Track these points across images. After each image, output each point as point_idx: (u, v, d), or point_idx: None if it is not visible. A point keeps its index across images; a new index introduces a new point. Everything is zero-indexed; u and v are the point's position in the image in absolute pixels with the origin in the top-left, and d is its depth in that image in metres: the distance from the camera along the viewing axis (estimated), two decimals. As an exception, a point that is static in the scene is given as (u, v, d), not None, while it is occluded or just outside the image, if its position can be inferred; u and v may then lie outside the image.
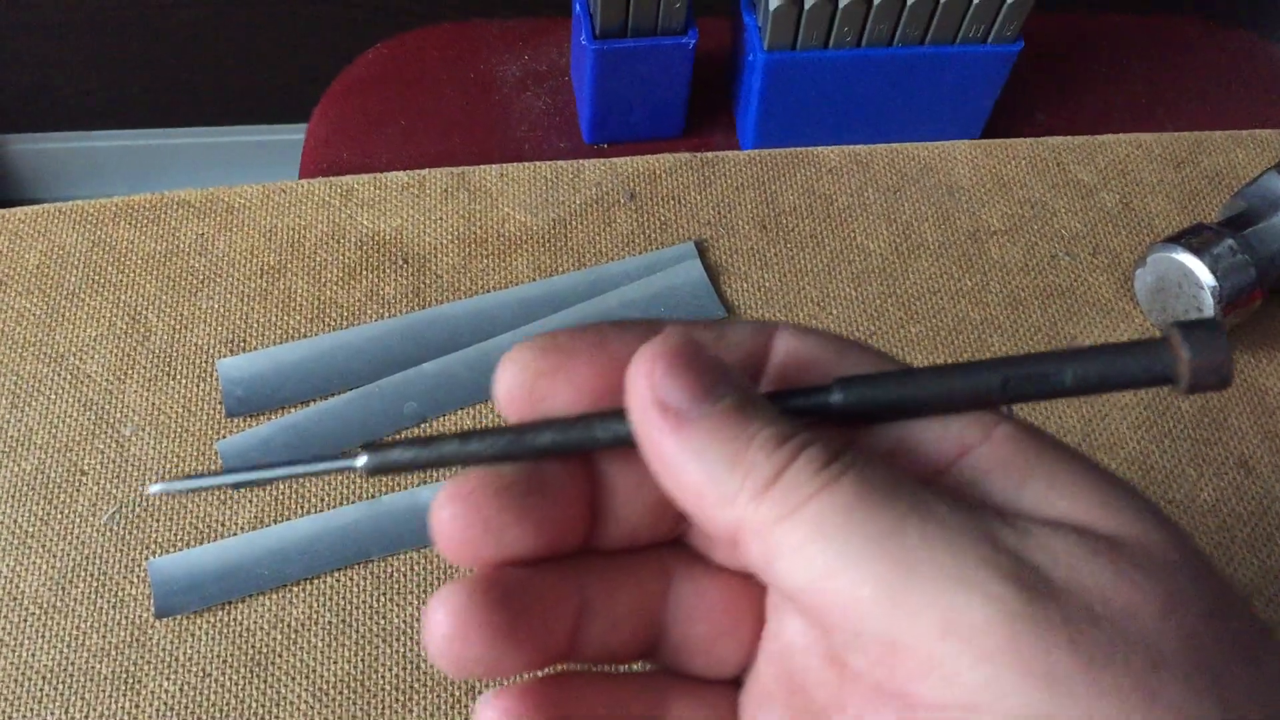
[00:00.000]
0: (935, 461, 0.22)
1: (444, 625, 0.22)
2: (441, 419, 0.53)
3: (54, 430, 0.52)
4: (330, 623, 0.48)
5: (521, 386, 0.23)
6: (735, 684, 0.25)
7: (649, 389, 0.21)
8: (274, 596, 0.49)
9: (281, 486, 0.51)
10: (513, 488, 0.22)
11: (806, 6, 0.72)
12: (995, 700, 0.18)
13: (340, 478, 0.51)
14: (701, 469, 0.21)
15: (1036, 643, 0.18)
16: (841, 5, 0.72)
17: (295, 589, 0.49)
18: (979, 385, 0.22)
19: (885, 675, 0.20)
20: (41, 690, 0.46)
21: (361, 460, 0.23)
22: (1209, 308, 0.52)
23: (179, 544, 0.50)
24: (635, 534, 0.24)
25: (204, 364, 0.54)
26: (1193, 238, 0.53)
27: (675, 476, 0.21)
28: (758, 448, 0.20)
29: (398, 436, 0.22)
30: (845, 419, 0.22)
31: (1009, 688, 0.18)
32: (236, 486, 0.22)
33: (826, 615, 0.20)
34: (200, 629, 0.48)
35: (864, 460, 0.21)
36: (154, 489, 0.24)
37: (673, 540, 0.25)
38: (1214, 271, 0.52)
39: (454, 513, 0.22)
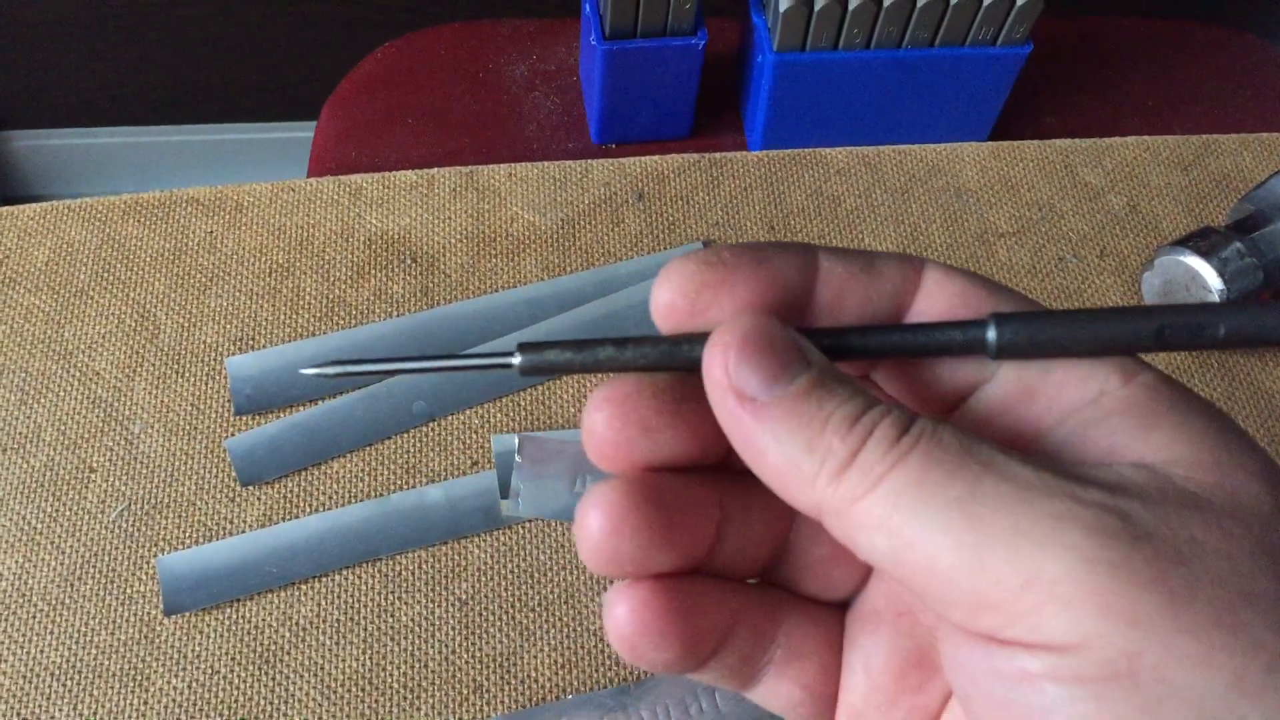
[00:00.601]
0: (1071, 403, 0.22)
1: (600, 521, 0.22)
2: (450, 419, 0.53)
3: (63, 427, 0.52)
4: (338, 620, 0.48)
5: (685, 298, 0.23)
6: (842, 607, 0.26)
7: (724, 376, 0.21)
8: (282, 594, 0.49)
9: (289, 484, 0.51)
10: (667, 393, 0.23)
11: (816, 8, 0.72)
12: (1080, 642, 0.19)
13: (354, 475, 0.51)
14: (780, 453, 0.21)
15: (1116, 586, 0.19)
16: (851, 7, 0.72)
17: (303, 587, 0.49)
18: (1134, 331, 0.22)
19: (977, 627, 0.20)
20: (50, 687, 0.46)
21: (517, 359, 0.23)
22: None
23: (188, 541, 0.50)
24: None
25: (213, 362, 0.54)
26: (1200, 241, 0.53)
27: (757, 460, 0.22)
28: (832, 431, 0.21)
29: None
30: (999, 354, 0.23)
31: (1091, 629, 0.19)
32: (390, 374, 0.22)
33: (912, 583, 0.21)
34: (209, 626, 0.48)
35: (934, 430, 0.21)
36: (307, 372, 0.25)
37: None
38: (1221, 275, 0.52)
39: (610, 414, 0.23)
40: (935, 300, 0.24)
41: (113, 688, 0.47)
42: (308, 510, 0.51)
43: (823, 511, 0.21)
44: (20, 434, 0.52)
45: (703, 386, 0.22)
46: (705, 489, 0.24)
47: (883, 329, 0.23)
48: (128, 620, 0.48)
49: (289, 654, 0.48)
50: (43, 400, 0.53)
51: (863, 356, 0.23)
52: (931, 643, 0.25)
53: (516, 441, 0.52)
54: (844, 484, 0.21)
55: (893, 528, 0.20)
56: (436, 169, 0.61)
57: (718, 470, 0.25)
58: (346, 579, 0.49)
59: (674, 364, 0.23)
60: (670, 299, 0.23)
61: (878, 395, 0.22)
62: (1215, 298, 0.52)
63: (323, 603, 0.49)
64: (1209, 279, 0.52)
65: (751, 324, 0.22)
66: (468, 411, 0.53)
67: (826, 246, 0.24)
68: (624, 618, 0.23)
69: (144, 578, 0.49)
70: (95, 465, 0.51)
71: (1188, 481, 0.20)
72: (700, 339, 0.23)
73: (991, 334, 0.22)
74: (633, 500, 0.22)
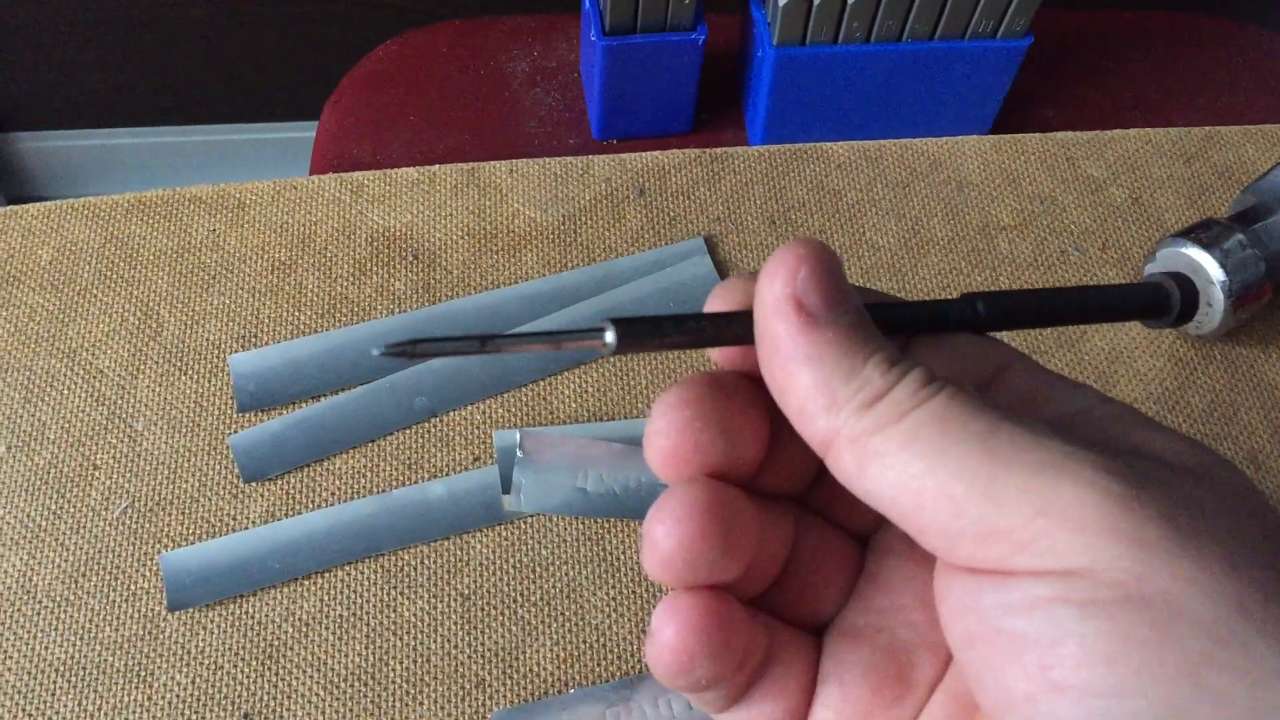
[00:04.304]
0: (1064, 412, 0.24)
1: (671, 533, 0.23)
2: (452, 414, 0.53)
3: (67, 425, 0.52)
4: (341, 616, 0.49)
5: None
6: (817, 631, 0.27)
7: (789, 283, 0.22)
8: (285, 590, 0.49)
9: (292, 481, 0.51)
10: (736, 399, 0.24)
11: (815, 2, 0.72)
12: (1090, 565, 0.19)
13: (357, 471, 0.52)
14: (815, 374, 0.22)
15: (1128, 515, 0.20)
16: (850, 1, 0.72)
17: (306, 582, 0.49)
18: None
19: (983, 559, 0.21)
20: (54, 683, 0.47)
21: (609, 336, 0.23)
22: (1219, 302, 0.52)
23: (191, 538, 0.50)
24: (785, 483, 0.26)
25: (216, 359, 0.54)
26: (1202, 233, 0.53)
27: (788, 375, 0.22)
28: (874, 365, 0.22)
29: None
30: (984, 326, 0.24)
31: (1101, 552, 0.19)
32: (479, 352, 0.23)
33: (919, 517, 0.21)
34: (212, 622, 0.48)
35: (955, 384, 0.22)
36: (375, 353, 0.24)
37: (801, 497, 0.27)
38: (1224, 266, 0.52)
39: (691, 415, 0.23)
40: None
41: (117, 684, 0.47)
42: (310, 506, 0.51)
43: (837, 439, 0.22)
44: (24, 432, 0.52)
45: (748, 396, 0.24)
46: (746, 504, 0.25)
47: (893, 305, 0.25)
48: (132, 616, 0.48)
49: (292, 649, 0.48)
50: (47, 398, 0.53)
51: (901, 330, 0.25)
52: (908, 657, 0.25)
53: (518, 437, 0.52)
54: (870, 415, 0.21)
55: (907, 458, 0.21)
56: (438, 166, 0.61)
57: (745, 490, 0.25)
58: (349, 574, 0.49)
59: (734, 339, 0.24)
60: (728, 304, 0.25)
61: None
62: (1218, 289, 0.52)
63: (325, 598, 0.49)
64: (1211, 270, 0.52)
65: (823, 250, 0.23)
66: (469, 407, 0.54)
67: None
68: (674, 637, 0.23)
69: (148, 574, 0.49)
70: (99, 463, 0.51)
71: (1176, 459, 0.22)
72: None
73: (981, 305, 0.25)
74: (703, 512, 0.23)
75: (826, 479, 0.26)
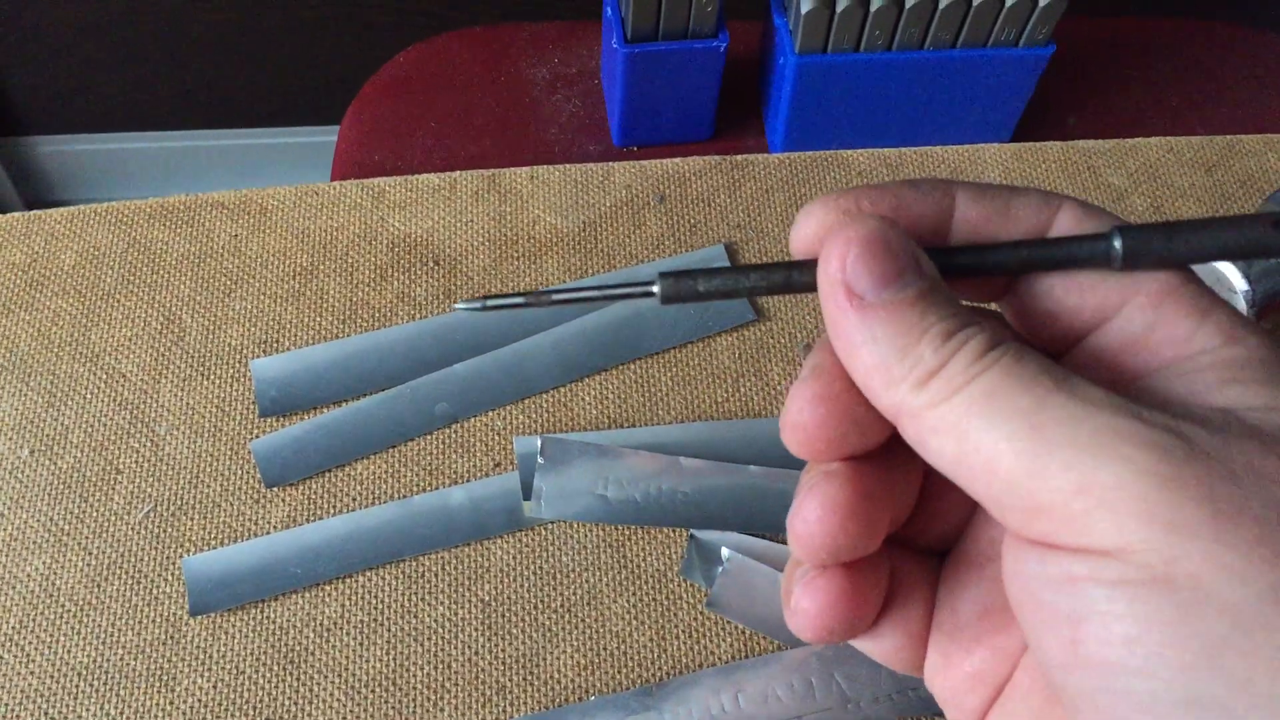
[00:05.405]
0: (1168, 358, 0.23)
1: (819, 515, 0.24)
2: (473, 420, 0.53)
3: (90, 429, 0.53)
4: (362, 621, 0.49)
5: (819, 238, 0.25)
6: (939, 557, 0.28)
7: (838, 270, 0.23)
8: (307, 595, 0.49)
9: (313, 486, 0.51)
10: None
11: (838, 10, 0.72)
12: (1123, 546, 0.20)
13: (378, 476, 0.52)
14: (874, 353, 0.22)
15: (1165, 496, 0.20)
16: (873, 8, 0.72)
17: (327, 588, 0.49)
18: (1248, 234, 0.23)
19: (1031, 532, 0.21)
20: (77, 687, 0.47)
21: (657, 288, 0.25)
22: (1241, 311, 0.52)
23: (213, 542, 0.50)
24: None
25: (238, 364, 0.55)
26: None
27: (849, 354, 0.23)
28: (927, 342, 0.22)
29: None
30: (1125, 264, 0.23)
31: (1134, 536, 0.20)
32: (536, 305, 0.25)
33: (975, 487, 0.22)
34: (234, 627, 0.48)
35: (1019, 351, 0.22)
36: (459, 306, 0.27)
37: None
38: (1246, 276, 0.52)
39: (827, 411, 0.24)
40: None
41: (139, 688, 0.47)
42: (332, 512, 0.51)
43: (900, 413, 0.22)
44: (48, 436, 0.52)
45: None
46: (886, 474, 0.25)
47: (1009, 245, 0.24)
48: (154, 621, 0.48)
49: (313, 654, 0.48)
50: (70, 402, 0.53)
51: (985, 272, 0.24)
52: None
53: (539, 443, 0.52)
54: (926, 391, 0.22)
55: (961, 432, 0.21)
56: (459, 172, 0.61)
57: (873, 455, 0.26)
58: (370, 580, 0.50)
59: (800, 287, 0.24)
60: (807, 238, 0.25)
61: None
62: (1241, 299, 0.52)
63: (347, 604, 0.49)
64: (1234, 280, 0.52)
65: (875, 227, 0.23)
66: (490, 413, 0.54)
67: (966, 184, 0.25)
68: (814, 610, 0.25)
69: (170, 578, 0.49)
70: (122, 467, 0.52)
71: (1255, 420, 0.21)
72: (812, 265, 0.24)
73: (1117, 243, 0.23)
74: (848, 494, 0.24)
75: None
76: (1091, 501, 0.20)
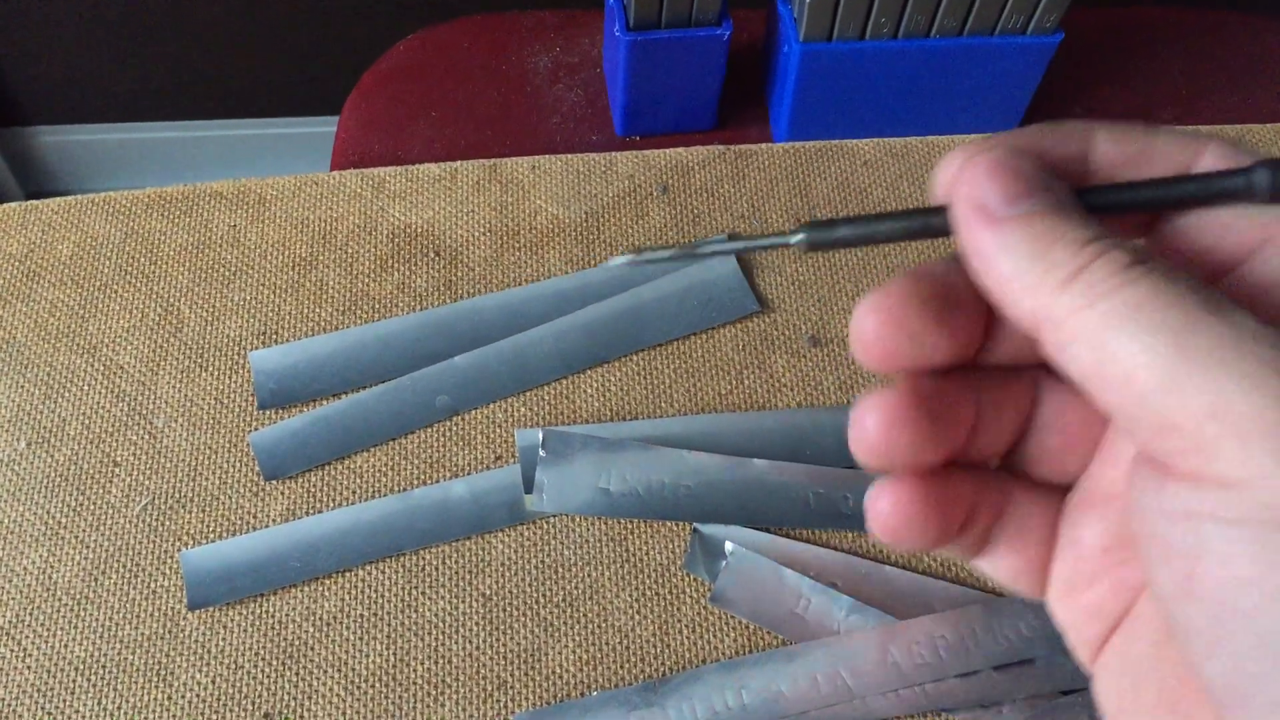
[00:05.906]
0: None
1: (876, 423, 0.25)
2: (474, 412, 0.53)
3: (87, 421, 0.52)
4: (362, 615, 0.48)
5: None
6: (1063, 490, 0.28)
7: (969, 188, 0.23)
8: (306, 589, 0.49)
9: (313, 479, 0.51)
10: (932, 301, 0.25)
11: (842, -3, 0.71)
12: (1247, 478, 0.19)
13: (378, 469, 0.51)
14: (1010, 262, 0.23)
15: None
16: (877, -4, 0.72)
17: (327, 582, 0.49)
18: None
19: (1157, 449, 0.21)
20: (74, 681, 0.46)
21: (797, 237, 0.25)
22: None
23: (211, 536, 0.50)
24: (1018, 353, 0.27)
25: (236, 355, 0.54)
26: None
27: (986, 267, 0.23)
28: (1063, 247, 0.22)
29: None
30: (1273, 196, 0.23)
31: (1259, 469, 0.19)
32: (686, 256, 0.26)
33: (1109, 396, 0.22)
34: (232, 621, 0.48)
35: (1169, 269, 0.22)
36: (615, 261, 0.28)
37: (1042, 364, 0.28)
38: None
39: (881, 320, 0.24)
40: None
41: (136, 682, 0.46)
42: (331, 505, 0.50)
43: (1040, 319, 0.22)
44: (45, 428, 0.52)
45: (961, 293, 0.25)
46: (963, 388, 0.26)
47: (1152, 182, 0.24)
48: (151, 615, 0.48)
49: (313, 649, 0.47)
50: (67, 394, 0.53)
51: (1124, 209, 0.24)
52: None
53: (541, 436, 0.51)
54: (1068, 294, 0.22)
55: (1102, 340, 0.21)
56: (460, 162, 0.61)
57: (972, 371, 0.27)
58: (370, 574, 0.49)
59: (938, 229, 0.25)
60: (949, 179, 0.25)
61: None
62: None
63: (346, 598, 0.49)
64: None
65: (1003, 152, 0.24)
66: (491, 405, 0.53)
67: (1107, 126, 0.25)
68: (888, 510, 0.25)
69: (168, 572, 0.49)
70: (119, 459, 0.51)
71: None
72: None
73: (1263, 176, 0.23)
74: (905, 403, 0.24)
75: None
76: (1225, 427, 0.20)
